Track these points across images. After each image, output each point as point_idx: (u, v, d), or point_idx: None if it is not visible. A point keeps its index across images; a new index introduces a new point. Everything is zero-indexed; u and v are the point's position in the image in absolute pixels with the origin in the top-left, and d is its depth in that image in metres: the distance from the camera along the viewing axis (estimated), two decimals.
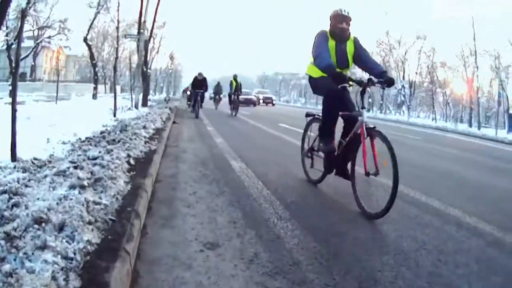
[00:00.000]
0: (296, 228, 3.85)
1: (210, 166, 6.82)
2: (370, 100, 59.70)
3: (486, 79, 45.91)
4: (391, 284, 2.84)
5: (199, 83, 21.57)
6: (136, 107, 19.91)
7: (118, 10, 19.54)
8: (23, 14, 5.81)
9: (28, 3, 5.70)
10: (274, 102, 55.78)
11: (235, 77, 25.11)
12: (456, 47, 44.46)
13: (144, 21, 22.39)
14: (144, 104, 22.73)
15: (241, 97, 25.62)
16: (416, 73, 52.86)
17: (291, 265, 3.03)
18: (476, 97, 41.81)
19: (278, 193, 5.16)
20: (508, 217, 4.89)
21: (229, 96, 25.35)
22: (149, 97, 28.73)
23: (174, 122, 14.97)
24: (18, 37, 8.97)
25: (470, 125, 39.96)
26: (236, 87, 24.33)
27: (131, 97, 21.45)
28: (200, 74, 21.96)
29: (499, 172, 9.21)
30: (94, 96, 31.50)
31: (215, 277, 2.74)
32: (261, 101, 49.34)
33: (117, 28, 19.65)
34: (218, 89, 30.32)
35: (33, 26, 39.16)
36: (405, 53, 52.85)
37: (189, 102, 28.24)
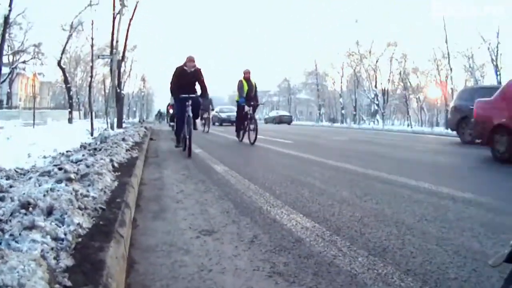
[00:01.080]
0: (291, 213, 3.76)
1: (193, 171, 6.67)
2: (343, 111, 60.69)
3: (460, 80, 46.64)
4: (400, 250, 2.76)
5: (188, 80, 9.69)
6: (112, 128, 19.69)
7: (92, 28, 19.51)
8: (6, 21, 5.67)
9: (10, 10, 5.56)
10: None
11: (246, 75, 13.31)
12: (428, 51, 45.14)
13: (117, 41, 22.32)
14: (119, 125, 22.52)
15: None
16: (389, 80, 53.49)
17: (294, 242, 2.92)
18: (451, 99, 42.36)
19: (266, 187, 5.06)
20: None
21: (239, 108, 13.52)
22: (123, 120, 28.44)
23: (151, 139, 14.85)
24: (0, 49, 8.84)
25: (447, 128, 40.34)
26: (249, 94, 13.19)
27: (106, 119, 21.20)
28: (190, 59, 9.82)
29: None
30: (70, 121, 31.11)
31: (217, 258, 2.61)
32: None
33: (92, 46, 19.56)
34: (206, 103, 19.77)
35: (7, 51, 38.80)
36: (377, 61, 53.48)
37: (172, 124, 18.01)
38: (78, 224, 2.44)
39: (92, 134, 13.85)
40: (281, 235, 3.08)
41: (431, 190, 4.95)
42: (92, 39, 19.94)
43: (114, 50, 22.07)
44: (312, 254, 2.67)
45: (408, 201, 4.33)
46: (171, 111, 22.75)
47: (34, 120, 19.73)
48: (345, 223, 3.44)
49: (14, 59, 42.00)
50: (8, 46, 38.51)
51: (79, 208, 2.74)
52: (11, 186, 3.50)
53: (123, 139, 9.30)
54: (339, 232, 3.16)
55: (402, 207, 4.05)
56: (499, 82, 37.78)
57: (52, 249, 2.05)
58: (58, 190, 3.00)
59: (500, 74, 38.15)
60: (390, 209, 3.95)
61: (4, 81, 40.85)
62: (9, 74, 42.57)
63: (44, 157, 6.79)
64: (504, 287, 1.41)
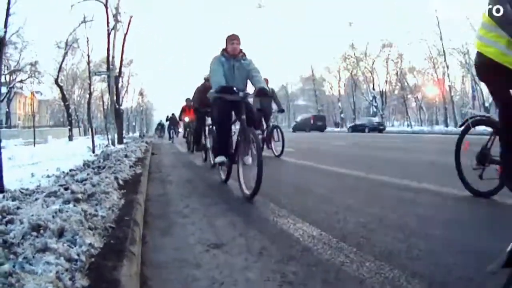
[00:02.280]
0: (298, 222, 3.79)
1: (196, 184, 6.73)
2: (342, 115, 60.75)
3: (457, 77, 46.70)
4: (405, 253, 2.82)
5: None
6: (113, 144, 19.70)
7: (88, 45, 19.61)
8: (2, 43, 5.70)
9: (6, 32, 5.61)
10: None
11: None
12: (423, 50, 45.06)
13: (113, 57, 22.37)
14: (120, 141, 22.47)
15: None
16: (386, 81, 53.52)
17: (302, 251, 2.96)
18: (449, 96, 42.36)
19: (270, 197, 5.09)
20: None
21: None
22: (123, 135, 28.32)
23: (152, 154, 14.90)
24: None
25: (446, 125, 40.44)
26: None
27: (107, 136, 21.20)
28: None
29: None
30: (70, 138, 31.09)
31: (228, 271, 2.64)
32: None
33: (88, 63, 19.65)
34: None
35: (4, 71, 38.80)
36: (373, 63, 53.52)
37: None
38: (90, 244, 2.48)
39: (93, 151, 13.89)
40: (289, 245, 3.12)
41: (434, 191, 5.01)
42: (88, 56, 20.04)
43: (111, 66, 22.13)
44: (320, 262, 2.71)
45: (412, 203, 4.39)
46: (187, 119, 16.01)
47: (34, 139, 19.80)
48: (351, 230, 3.48)
49: (11, 79, 42.08)
50: (4, 65, 38.48)
51: (90, 228, 2.78)
52: (18, 208, 3.52)
53: (126, 156, 9.35)
54: (345, 239, 3.20)
55: (406, 210, 4.11)
56: None
57: (66, 270, 2.09)
58: (66, 211, 3.05)
59: None
60: (394, 213, 4.00)
61: (2, 100, 40.92)
62: (6, 93, 42.62)
63: (48, 176, 6.82)
64: None
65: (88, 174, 5.26)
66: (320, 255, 2.84)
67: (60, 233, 2.54)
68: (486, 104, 39.55)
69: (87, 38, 20.45)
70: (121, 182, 5.37)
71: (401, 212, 4.03)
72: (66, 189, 4.07)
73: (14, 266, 2.06)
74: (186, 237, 3.52)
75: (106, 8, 23.26)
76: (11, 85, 42.07)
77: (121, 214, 3.56)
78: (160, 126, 40.89)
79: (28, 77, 40.87)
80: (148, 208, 4.86)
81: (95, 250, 2.48)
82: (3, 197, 4.37)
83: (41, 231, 2.51)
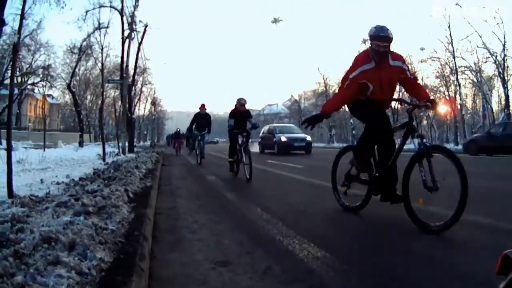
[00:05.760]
0: (304, 243, 3.82)
1: (206, 199, 6.80)
2: (354, 132, 60.44)
3: (468, 95, 46.38)
4: (405, 279, 2.85)
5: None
6: (124, 153, 19.77)
7: (101, 52, 19.72)
8: (15, 49, 5.79)
9: (19, 38, 5.67)
10: None
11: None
12: (435, 68, 44.74)
13: (127, 66, 22.49)
14: (131, 150, 22.54)
15: None
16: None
17: (305, 273, 3.00)
18: (460, 115, 41.99)
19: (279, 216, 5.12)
20: None
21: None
22: (134, 144, 28.26)
23: (163, 165, 14.97)
24: (12, 75, 8.93)
25: (457, 144, 40.11)
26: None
27: (118, 144, 21.25)
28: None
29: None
30: (81, 144, 31.12)
31: None
32: None
33: (102, 71, 19.75)
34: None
35: (16, 73, 38.97)
36: None
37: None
38: (101, 258, 2.55)
39: (104, 160, 13.99)
40: (294, 266, 3.17)
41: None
42: (102, 64, 20.12)
43: (124, 75, 22.23)
44: (322, 285, 2.77)
45: (412, 227, 4.39)
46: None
47: (44, 143, 19.86)
48: (356, 253, 3.53)
49: (23, 80, 42.25)
50: (17, 67, 38.64)
51: (100, 242, 2.85)
52: (28, 216, 3.58)
53: (136, 167, 9.43)
54: (350, 262, 3.24)
55: (408, 234, 4.13)
56: (507, 95, 37.53)
57: (77, 283, 2.16)
58: (77, 224, 3.12)
59: (507, 86, 37.88)
60: (398, 236, 4.03)
61: (13, 102, 41.09)
62: (18, 95, 42.78)
63: (58, 183, 6.90)
64: None
65: (98, 186, 5.35)
66: (324, 278, 2.88)
67: (71, 246, 2.61)
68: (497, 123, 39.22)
69: (101, 45, 20.56)
70: (131, 195, 5.44)
71: (403, 236, 4.06)
72: (76, 199, 4.15)
73: (25, 277, 2.14)
74: (193, 254, 3.58)
75: (122, 16, 23.41)
76: (23, 87, 42.25)
77: (130, 228, 3.62)
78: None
79: (40, 80, 41.06)
80: (158, 222, 4.92)
81: (105, 264, 2.55)
82: (12, 202, 4.44)
83: (52, 243, 2.59)
